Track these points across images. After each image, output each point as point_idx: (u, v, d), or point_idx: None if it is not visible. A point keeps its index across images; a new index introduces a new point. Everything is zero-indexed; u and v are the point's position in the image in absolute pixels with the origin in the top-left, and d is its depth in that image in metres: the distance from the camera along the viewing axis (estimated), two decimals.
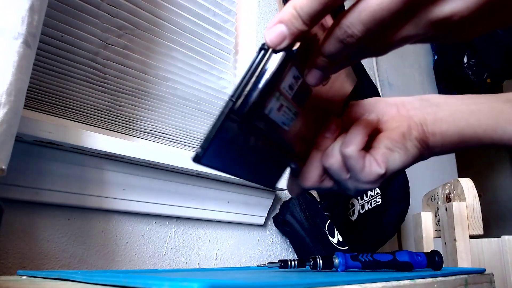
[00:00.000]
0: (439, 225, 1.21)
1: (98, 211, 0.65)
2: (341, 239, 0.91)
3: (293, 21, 0.26)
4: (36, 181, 0.56)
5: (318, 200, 0.97)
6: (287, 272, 0.47)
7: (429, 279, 0.42)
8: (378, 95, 1.28)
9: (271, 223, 0.96)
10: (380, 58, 1.52)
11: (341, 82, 0.38)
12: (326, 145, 0.36)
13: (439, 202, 1.01)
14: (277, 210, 0.96)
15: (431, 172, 1.69)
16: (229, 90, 0.97)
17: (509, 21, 0.25)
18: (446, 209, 0.97)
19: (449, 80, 1.91)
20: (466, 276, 0.49)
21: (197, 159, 0.27)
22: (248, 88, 0.27)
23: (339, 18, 0.26)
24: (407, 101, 0.38)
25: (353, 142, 0.34)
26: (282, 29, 0.26)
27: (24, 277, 0.41)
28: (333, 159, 0.35)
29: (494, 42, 1.81)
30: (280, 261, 0.51)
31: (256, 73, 0.27)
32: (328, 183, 0.37)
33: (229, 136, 0.27)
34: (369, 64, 1.48)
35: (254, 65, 0.27)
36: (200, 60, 0.90)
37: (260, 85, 0.27)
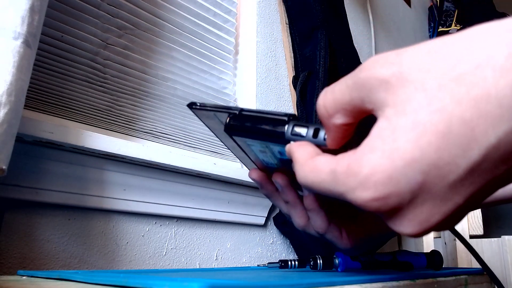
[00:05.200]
0: None
1: (98, 211, 0.65)
2: None
3: None
4: (36, 181, 0.56)
5: None
6: (287, 272, 0.47)
7: (429, 279, 0.42)
8: None
9: (271, 223, 0.96)
10: None
11: None
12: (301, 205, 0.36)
13: None
14: (277, 210, 0.96)
15: None
16: (229, 90, 0.97)
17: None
18: None
19: None
20: (466, 276, 0.49)
21: (191, 105, 0.30)
22: (248, 116, 0.29)
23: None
24: None
25: (317, 224, 0.34)
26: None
27: (24, 277, 0.41)
28: (312, 231, 0.36)
29: None
30: (280, 261, 0.51)
31: (264, 120, 0.28)
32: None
33: (220, 119, 0.31)
34: None
35: (270, 115, 0.28)
36: (200, 60, 0.90)
37: (256, 126, 0.28)
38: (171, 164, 0.69)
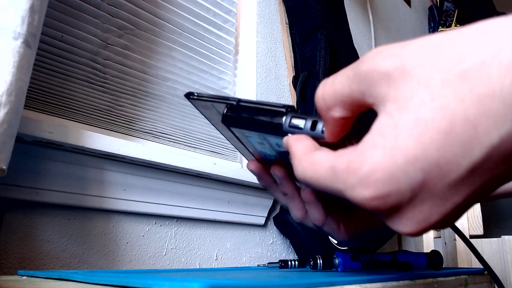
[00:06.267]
0: None
1: (99, 211, 0.65)
2: None
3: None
4: (36, 181, 0.56)
5: None
6: (287, 272, 0.47)
7: (429, 279, 0.42)
8: None
9: (271, 223, 0.96)
10: None
11: None
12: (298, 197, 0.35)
13: None
14: (277, 210, 0.96)
15: None
16: (229, 90, 0.97)
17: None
18: None
19: None
20: (466, 276, 0.49)
21: (189, 95, 0.30)
22: (245, 107, 0.28)
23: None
24: None
25: (314, 217, 0.34)
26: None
27: (24, 277, 0.41)
28: (310, 223, 0.35)
29: None
30: (280, 261, 0.51)
31: (261, 111, 0.28)
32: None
33: (217, 109, 0.30)
34: None
35: (268, 107, 0.27)
36: (200, 60, 0.90)
37: (253, 118, 0.28)
38: (171, 164, 0.69)
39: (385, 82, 0.20)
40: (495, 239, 1.08)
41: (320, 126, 0.25)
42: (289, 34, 1.11)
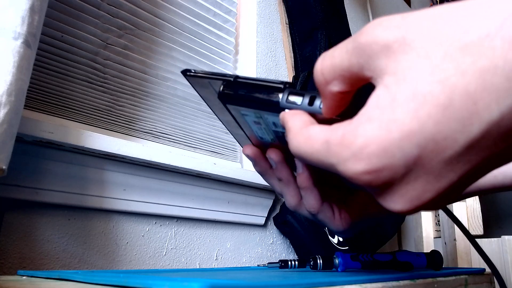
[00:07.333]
0: (439, 225, 1.21)
1: (99, 211, 0.65)
2: (341, 239, 0.92)
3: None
4: (36, 181, 0.56)
5: None
6: (287, 272, 0.47)
7: (429, 279, 0.42)
8: None
9: (271, 223, 0.96)
10: None
11: None
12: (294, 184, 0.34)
13: None
14: (277, 210, 0.96)
15: None
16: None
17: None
18: None
19: None
20: (466, 276, 0.49)
21: (185, 72, 0.29)
22: (243, 83, 0.28)
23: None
24: None
25: (310, 203, 0.33)
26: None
27: (24, 277, 0.41)
28: (304, 211, 0.34)
29: None
30: (280, 261, 0.51)
31: (259, 87, 0.27)
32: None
33: (213, 87, 0.30)
34: None
35: (265, 83, 0.27)
36: (200, 60, 0.90)
37: (250, 94, 0.28)
38: (171, 164, 0.69)
39: (384, 54, 0.19)
40: (495, 239, 1.08)
41: (318, 101, 0.25)
42: (289, 34, 1.11)
